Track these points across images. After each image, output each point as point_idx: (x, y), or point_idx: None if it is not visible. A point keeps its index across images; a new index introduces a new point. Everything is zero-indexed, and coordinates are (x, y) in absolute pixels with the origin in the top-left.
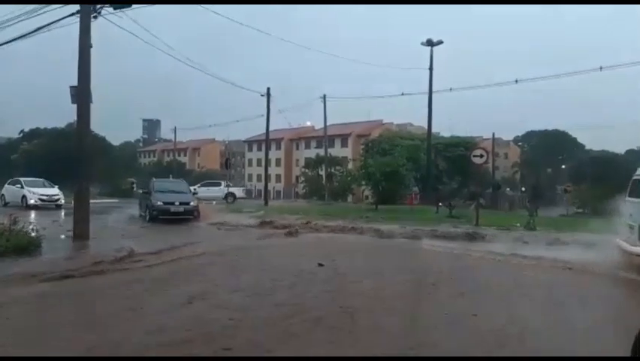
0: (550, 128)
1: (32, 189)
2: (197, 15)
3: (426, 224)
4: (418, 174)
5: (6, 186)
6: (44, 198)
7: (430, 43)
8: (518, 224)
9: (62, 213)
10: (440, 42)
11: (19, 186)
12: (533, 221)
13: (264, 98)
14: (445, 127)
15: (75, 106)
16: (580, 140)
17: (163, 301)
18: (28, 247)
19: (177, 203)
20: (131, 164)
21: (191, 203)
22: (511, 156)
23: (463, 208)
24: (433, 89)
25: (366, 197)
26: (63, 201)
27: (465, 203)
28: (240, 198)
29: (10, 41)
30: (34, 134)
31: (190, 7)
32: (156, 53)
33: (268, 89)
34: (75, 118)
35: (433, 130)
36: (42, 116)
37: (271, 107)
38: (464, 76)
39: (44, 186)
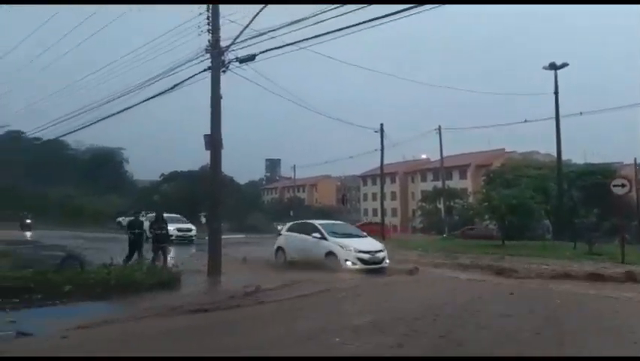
0: None
1: (345, 242)
2: (312, 57)
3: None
4: (548, 206)
5: (285, 233)
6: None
7: (553, 66)
8: None
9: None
10: (565, 65)
11: (317, 235)
12: None
13: (378, 134)
14: (578, 154)
15: (208, 151)
16: None
17: None
18: (169, 282)
19: None
20: (255, 201)
21: None
22: None
23: (603, 244)
24: (560, 113)
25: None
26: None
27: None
28: None
29: (155, 96)
30: (172, 176)
31: (300, 53)
32: (274, 98)
33: (381, 125)
34: (208, 162)
35: (564, 157)
36: (178, 161)
37: (385, 141)
38: (595, 97)
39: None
